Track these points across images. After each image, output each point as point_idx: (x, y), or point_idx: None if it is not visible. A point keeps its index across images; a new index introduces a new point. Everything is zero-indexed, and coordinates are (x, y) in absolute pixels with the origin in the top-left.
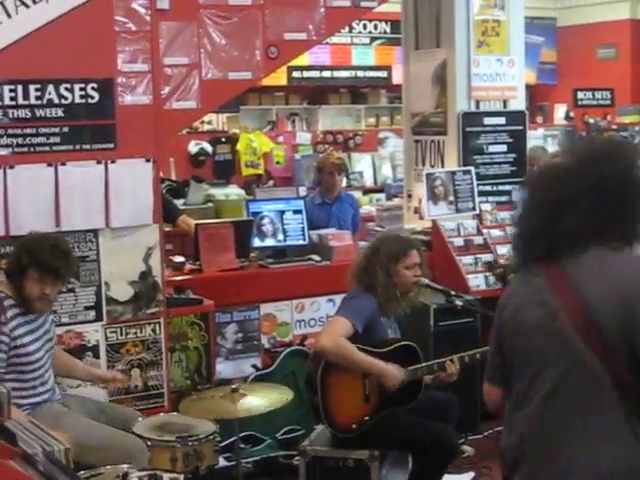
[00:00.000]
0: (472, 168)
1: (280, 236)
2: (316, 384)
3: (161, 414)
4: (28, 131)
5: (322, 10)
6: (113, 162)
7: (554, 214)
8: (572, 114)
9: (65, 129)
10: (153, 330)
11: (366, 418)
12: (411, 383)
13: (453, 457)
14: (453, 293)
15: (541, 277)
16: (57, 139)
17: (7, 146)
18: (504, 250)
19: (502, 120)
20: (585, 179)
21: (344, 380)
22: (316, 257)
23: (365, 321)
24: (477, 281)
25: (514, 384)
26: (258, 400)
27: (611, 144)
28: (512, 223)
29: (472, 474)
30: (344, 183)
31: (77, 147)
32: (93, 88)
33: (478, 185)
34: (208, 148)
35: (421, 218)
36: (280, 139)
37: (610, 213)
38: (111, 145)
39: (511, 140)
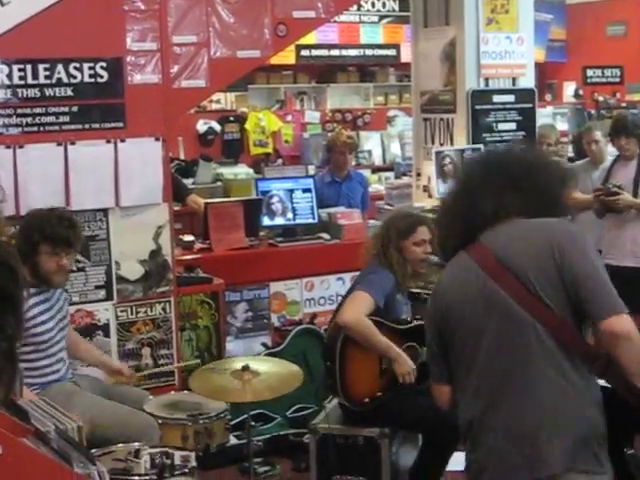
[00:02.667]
0: (481, 146)
1: (289, 215)
2: (334, 354)
3: (172, 392)
4: (37, 111)
5: None
6: (122, 141)
7: (469, 200)
8: (581, 92)
9: (74, 108)
10: (163, 309)
11: (379, 394)
12: (425, 363)
13: (458, 437)
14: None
15: (465, 254)
16: (66, 118)
17: (17, 126)
18: None
19: (511, 98)
20: (491, 164)
21: (363, 353)
22: (325, 235)
23: (385, 296)
24: None
25: (458, 366)
26: (268, 383)
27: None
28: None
29: None
30: (353, 162)
31: (86, 126)
32: (102, 67)
33: None
34: (217, 127)
35: (430, 196)
36: (289, 118)
37: (517, 194)
38: (120, 124)
39: (520, 118)
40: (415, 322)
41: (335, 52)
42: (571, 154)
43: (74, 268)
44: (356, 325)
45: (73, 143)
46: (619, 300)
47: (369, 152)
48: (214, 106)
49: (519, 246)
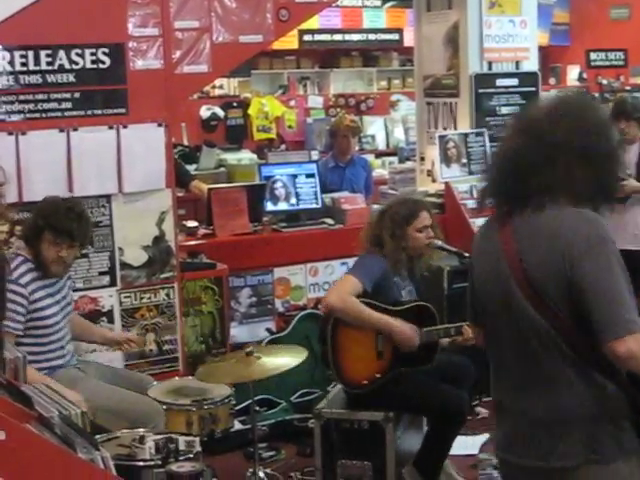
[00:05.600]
0: (485, 130)
1: (293, 200)
2: (326, 336)
3: (176, 378)
4: (39, 97)
5: None
6: (125, 127)
7: (528, 171)
8: (585, 75)
9: (76, 94)
10: (167, 295)
11: (378, 375)
12: (426, 345)
13: (462, 423)
14: (467, 255)
15: (497, 235)
16: (69, 105)
17: (19, 112)
18: None
19: (515, 81)
20: (563, 143)
21: (355, 336)
22: (329, 220)
23: (374, 280)
24: None
25: (488, 337)
26: (273, 361)
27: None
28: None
29: (487, 435)
30: (356, 147)
31: (89, 112)
32: (104, 53)
33: (491, 147)
34: (220, 113)
35: (434, 181)
36: (292, 103)
37: (582, 176)
38: (123, 110)
39: (524, 102)
40: (410, 304)
41: (338, 37)
42: None
43: (78, 256)
44: (343, 305)
45: (75, 129)
46: (627, 319)
47: (372, 137)
48: (217, 92)
49: (539, 250)
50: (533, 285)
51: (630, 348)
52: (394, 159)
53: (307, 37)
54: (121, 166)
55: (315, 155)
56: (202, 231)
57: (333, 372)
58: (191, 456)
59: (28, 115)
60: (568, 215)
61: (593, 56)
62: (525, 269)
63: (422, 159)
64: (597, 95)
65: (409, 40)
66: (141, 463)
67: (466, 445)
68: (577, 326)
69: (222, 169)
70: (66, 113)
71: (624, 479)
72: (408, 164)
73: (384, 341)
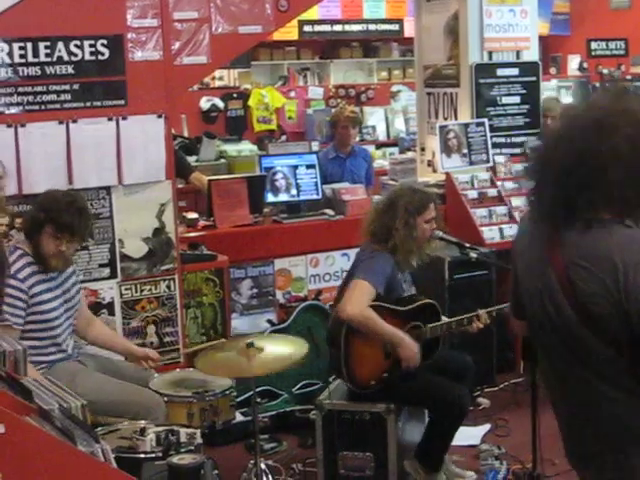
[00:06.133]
0: (485, 120)
1: (293, 191)
2: (339, 341)
3: (177, 370)
4: (39, 89)
5: None
6: (124, 119)
7: (583, 181)
8: (586, 65)
9: (75, 86)
10: (168, 286)
11: (385, 375)
12: (430, 340)
13: (462, 417)
14: (468, 245)
15: (543, 246)
16: (68, 96)
17: (18, 104)
18: (518, 202)
19: (515, 71)
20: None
21: (367, 339)
22: (330, 211)
23: (386, 282)
24: (491, 233)
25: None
26: (274, 356)
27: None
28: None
29: (488, 426)
30: (357, 137)
31: (88, 104)
32: (103, 44)
33: (492, 137)
34: (220, 104)
35: (434, 171)
36: (292, 94)
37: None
38: (122, 102)
39: (524, 91)
40: (417, 302)
41: (338, 27)
42: None
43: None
44: (360, 318)
45: (75, 121)
46: None
47: (373, 127)
48: (217, 83)
49: (587, 273)
50: (584, 307)
51: None
52: (395, 150)
53: (307, 28)
54: (121, 158)
55: (315, 146)
56: (202, 223)
57: (344, 375)
58: (192, 448)
59: (27, 107)
60: (619, 237)
61: (594, 45)
62: (574, 288)
63: (423, 149)
64: (598, 84)
65: (409, 30)
66: (142, 455)
67: (468, 436)
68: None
69: (222, 160)
70: (65, 105)
71: None
72: (409, 154)
73: (392, 344)
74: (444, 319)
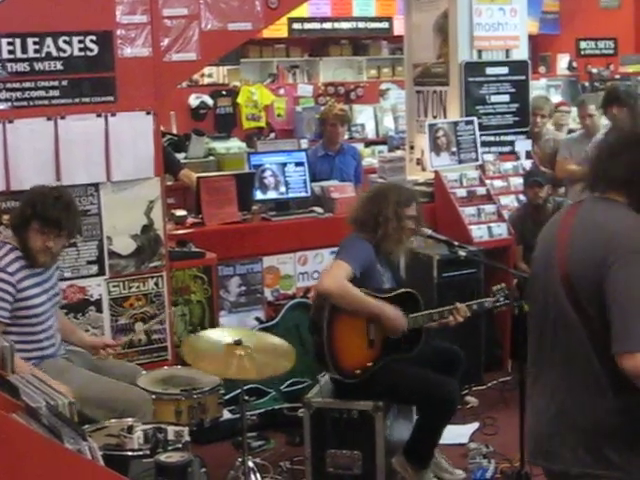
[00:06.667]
0: (475, 118)
1: (282, 188)
2: (322, 328)
3: (165, 367)
4: (27, 85)
5: None
6: (113, 115)
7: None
8: (575, 64)
9: (64, 82)
10: (156, 284)
11: (369, 364)
12: (412, 331)
13: (453, 411)
14: (456, 244)
15: (559, 221)
16: (56, 93)
17: (6, 100)
18: (507, 201)
19: (505, 70)
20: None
21: (349, 325)
22: (318, 209)
23: (362, 266)
24: (480, 232)
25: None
26: (261, 362)
27: None
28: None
29: (476, 425)
30: (346, 135)
31: (77, 100)
32: (92, 41)
33: (481, 135)
34: (209, 101)
35: (423, 169)
36: (281, 92)
37: None
38: (111, 98)
39: (514, 90)
40: (396, 291)
41: (328, 25)
42: (572, 125)
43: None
44: (341, 290)
45: (63, 117)
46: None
47: (362, 126)
48: (206, 80)
49: (583, 243)
50: (570, 279)
51: (638, 365)
52: (384, 148)
53: (296, 25)
54: (109, 154)
55: (304, 144)
56: (191, 220)
57: (328, 363)
58: (180, 446)
59: (15, 103)
60: (620, 215)
61: (583, 45)
62: (567, 263)
63: (412, 148)
64: (587, 84)
65: (399, 28)
66: (130, 453)
67: (456, 434)
68: (605, 328)
69: (211, 158)
70: (54, 101)
71: None
72: (398, 153)
73: (375, 329)
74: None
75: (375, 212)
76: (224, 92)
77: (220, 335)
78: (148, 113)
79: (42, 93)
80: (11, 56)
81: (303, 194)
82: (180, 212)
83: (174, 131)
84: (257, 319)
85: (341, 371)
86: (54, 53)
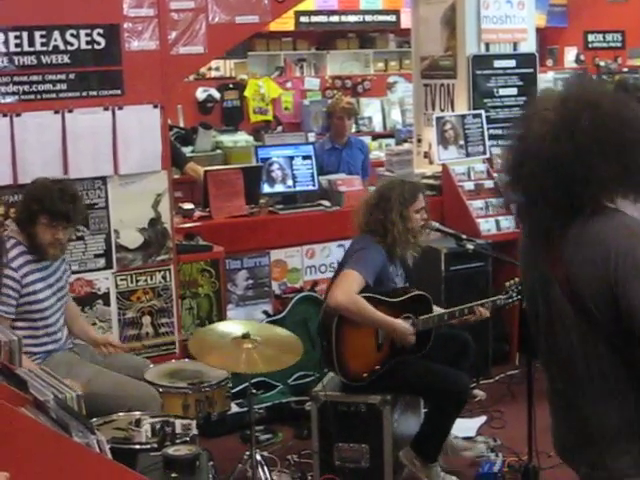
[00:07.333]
0: (482, 111)
1: (289, 182)
2: (330, 334)
3: (172, 361)
4: (34, 78)
5: None
6: (120, 109)
7: (570, 181)
8: (583, 57)
9: (71, 76)
10: (163, 277)
11: (377, 367)
12: (422, 332)
13: (463, 403)
14: (464, 237)
15: (543, 249)
16: (64, 86)
17: (13, 94)
18: None
19: (512, 63)
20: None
21: (359, 330)
22: (326, 202)
23: (375, 273)
24: (488, 225)
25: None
26: (268, 355)
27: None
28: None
29: (484, 418)
30: (353, 129)
31: (84, 94)
32: (99, 34)
33: (488, 129)
34: (216, 95)
35: (431, 162)
36: (288, 85)
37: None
38: (118, 91)
39: (521, 83)
40: (409, 293)
41: (335, 18)
42: None
43: (73, 238)
44: (348, 304)
45: (71, 111)
46: None
47: (369, 119)
48: (213, 73)
49: (584, 264)
50: (583, 303)
51: None
52: (391, 141)
53: (303, 18)
54: (117, 148)
55: (312, 137)
56: (198, 213)
57: (335, 369)
58: (187, 439)
59: (23, 97)
60: (615, 225)
61: (591, 37)
62: (574, 290)
63: (419, 141)
64: (595, 77)
65: (406, 21)
66: (137, 446)
67: (463, 428)
68: (616, 332)
69: (218, 151)
70: (61, 94)
71: None
72: (405, 146)
73: (384, 334)
74: (436, 309)
75: (382, 218)
76: (231, 85)
77: (227, 328)
78: (155, 106)
79: (49, 86)
80: (18, 49)
81: (310, 187)
82: (187, 205)
83: (181, 124)
84: (265, 313)
85: (349, 376)
86: (61, 46)
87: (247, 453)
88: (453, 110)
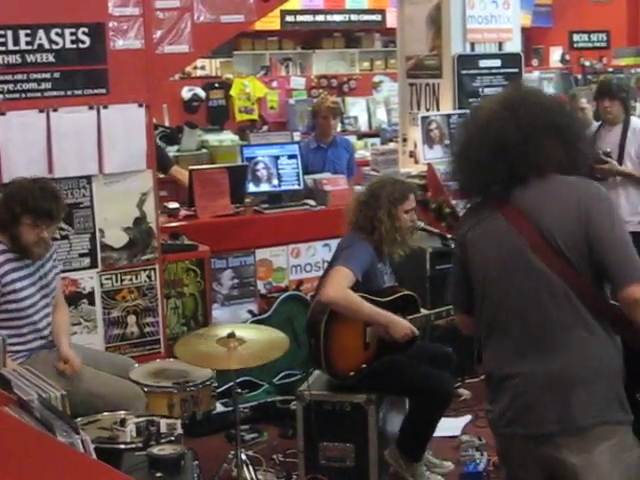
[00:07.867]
0: (468, 111)
1: (275, 181)
2: (319, 332)
3: (157, 360)
4: (19, 77)
5: None
6: (105, 107)
7: (502, 153)
8: (568, 57)
9: (56, 74)
10: (148, 276)
11: (364, 366)
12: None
13: (448, 403)
14: (449, 236)
15: (499, 217)
16: (48, 85)
17: None
18: None
19: (498, 62)
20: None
21: (347, 329)
22: (311, 202)
23: (364, 269)
24: None
25: (483, 312)
26: (254, 350)
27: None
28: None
29: (469, 417)
30: (339, 128)
31: (69, 93)
32: (84, 33)
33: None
34: (201, 94)
35: (416, 162)
36: (274, 84)
37: (555, 147)
38: (103, 90)
39: (507, 83)
40: (396, 294)
41: (320, 18)
42: None
43: (57, 237)
44: (342, 299)
45: (55, 110)
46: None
47: (355, 118)
48: (199, 72)
49: (549, 207)
50: (552, 247)
51: None
52: (376, 140)
53: (289, 18)
54: (102, 147)
55: (297, 136)
56: (183, 212)
57: (322, 366)
58: (172, 439)
59: (7, 95)
60: (571, 179)
61: (576, 37)
62: (543, 236)
63: (404, 140)
64: (580, 77)
65: (392, 21)
66: (122, 446)
67: (448, 427)
68: (592, 282)
69: (204, 150)
70: (46, 93)
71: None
72: (390, 145)
73: (371, 332)
74: (423, 311)
75: (370, 215)
76: (217, 84)
77: (212, 332)
78: (140, 105)
79: (34, 85)
80: (2, 48)
81: (296, 187)
82: (173, 204)
83: (166, 124)
84: (250, 312)
85: (335, 374)
86: (46, 45)
87: (232, 452)
88: (438, 109)
